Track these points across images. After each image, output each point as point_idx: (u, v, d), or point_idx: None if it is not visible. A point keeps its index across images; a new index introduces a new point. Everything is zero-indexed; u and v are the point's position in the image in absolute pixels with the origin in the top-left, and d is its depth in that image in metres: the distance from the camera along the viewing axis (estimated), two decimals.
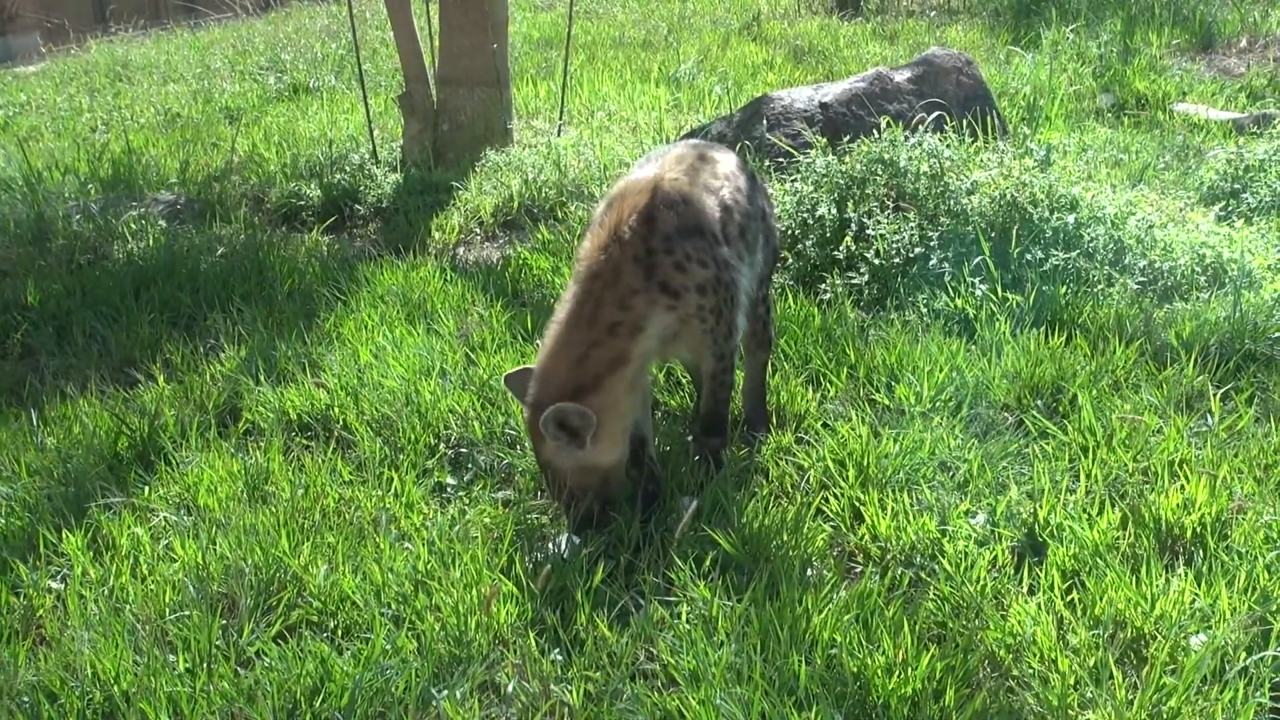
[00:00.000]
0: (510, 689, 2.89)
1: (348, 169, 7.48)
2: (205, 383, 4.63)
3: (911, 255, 5.03)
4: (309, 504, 3.69)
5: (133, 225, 6.36)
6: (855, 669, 2.83)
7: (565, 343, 3.37)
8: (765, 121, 6.60)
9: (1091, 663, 2.83)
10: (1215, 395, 4.01)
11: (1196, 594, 3.02)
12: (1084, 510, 3.41)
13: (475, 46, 7.76)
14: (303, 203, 7.27)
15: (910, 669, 2.80)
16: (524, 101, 9.47)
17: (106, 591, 3.30)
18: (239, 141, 8.71)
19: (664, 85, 9.81)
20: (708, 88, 9.52)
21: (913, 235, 5.09)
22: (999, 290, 4.73)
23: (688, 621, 3.05)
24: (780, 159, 6.30)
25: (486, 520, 3.62)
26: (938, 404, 4.07)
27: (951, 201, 5.23)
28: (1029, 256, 4.90)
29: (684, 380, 4.37)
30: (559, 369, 3.35)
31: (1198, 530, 3.30)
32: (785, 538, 3.38)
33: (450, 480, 3.90)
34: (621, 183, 3.71)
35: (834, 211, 5.36)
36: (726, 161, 3.86)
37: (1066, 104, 8.15)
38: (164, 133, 9.64)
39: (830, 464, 3.75)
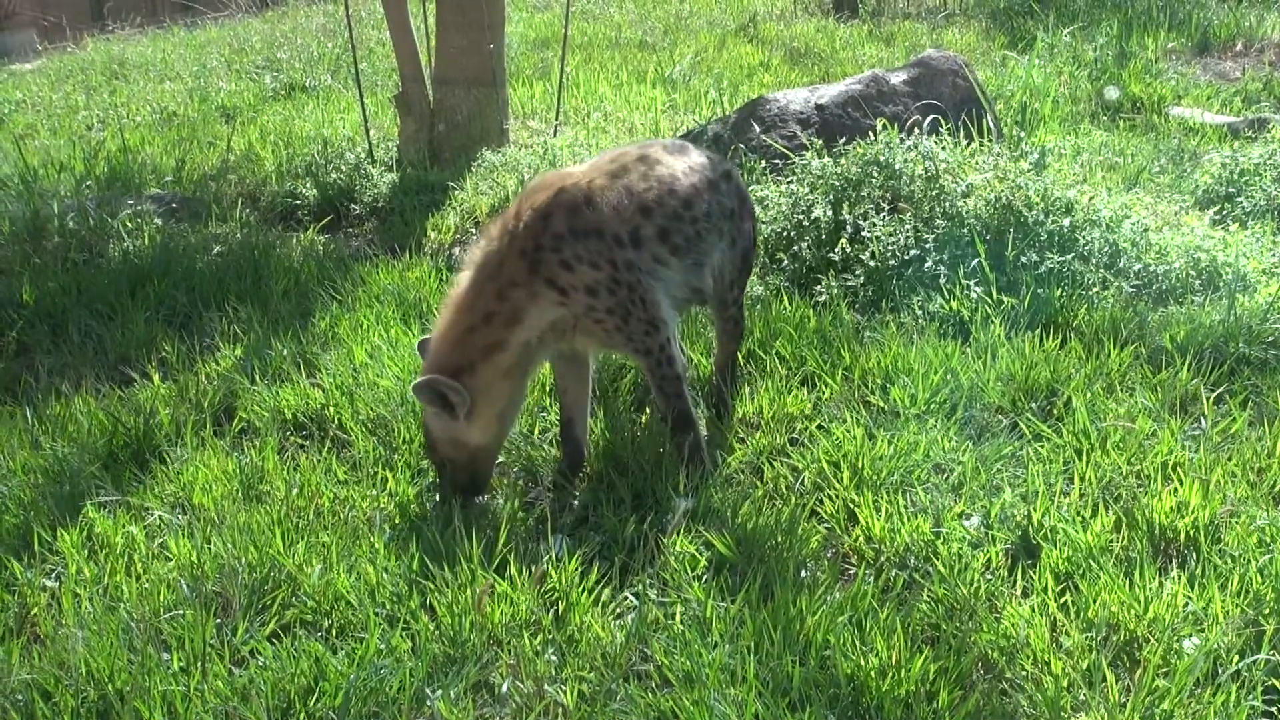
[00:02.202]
0: (504, 689, 2.89)
1: (344, 168, 7.48)
2: (200, 381, 4.63)
3: (907, 257, 5.04)
4: (304, 503, 3.69)
5: (128, 223, 6.36)
6: (849, 670, 2.83)
7: (449, 325, 3.58)
8: (761, 123, 6.61)
9: (1085, 665, 2.84)
10: (1209, 398, 4.02)
11: (1189, 597, 3.03)
12: (1078, 513, 3.42)
13: (472, 46, 7.76)
14: (298, 202, 7.27)
15: (904, 670, 2.80)
16: (520, 102, 9.47)
17: (101, 590, 3.30)
18: (235, 140, 8.70)
19: (660, 86, 9.82)
20: (703, 89, 9.53)
21: (908, 237, 5.10)
22: (994, 293, 4.74)
23: (682, 622, 3.05)
24: (776, 160, 6.31)
25: (480, 520, 3.62)
26: (932, 406, 4.08)
27: (947, 204, 5.24)
28: (1024, 259, 4.91)
29: None
30: (441, 349, 3.58)
31: (1191, 533, 3.31)
32: (779, 539, 3.38)
33: None
34: (541, 177, 3.87)
35: (829, 213, 5.37)
36: (670, 164, 3.87)
37: (1062, 107, 8.16)
38: (160, 131, 9.63)
39: (825, 465, 3.76)
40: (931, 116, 6.33)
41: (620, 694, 2.85)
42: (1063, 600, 3.09)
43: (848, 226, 5.28)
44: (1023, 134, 6.38)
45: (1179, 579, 3.10)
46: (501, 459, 3.99)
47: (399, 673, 2.89)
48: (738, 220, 4.08)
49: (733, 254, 4.06)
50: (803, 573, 3.26)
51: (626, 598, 3.22)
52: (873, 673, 2.82)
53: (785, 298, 5.00)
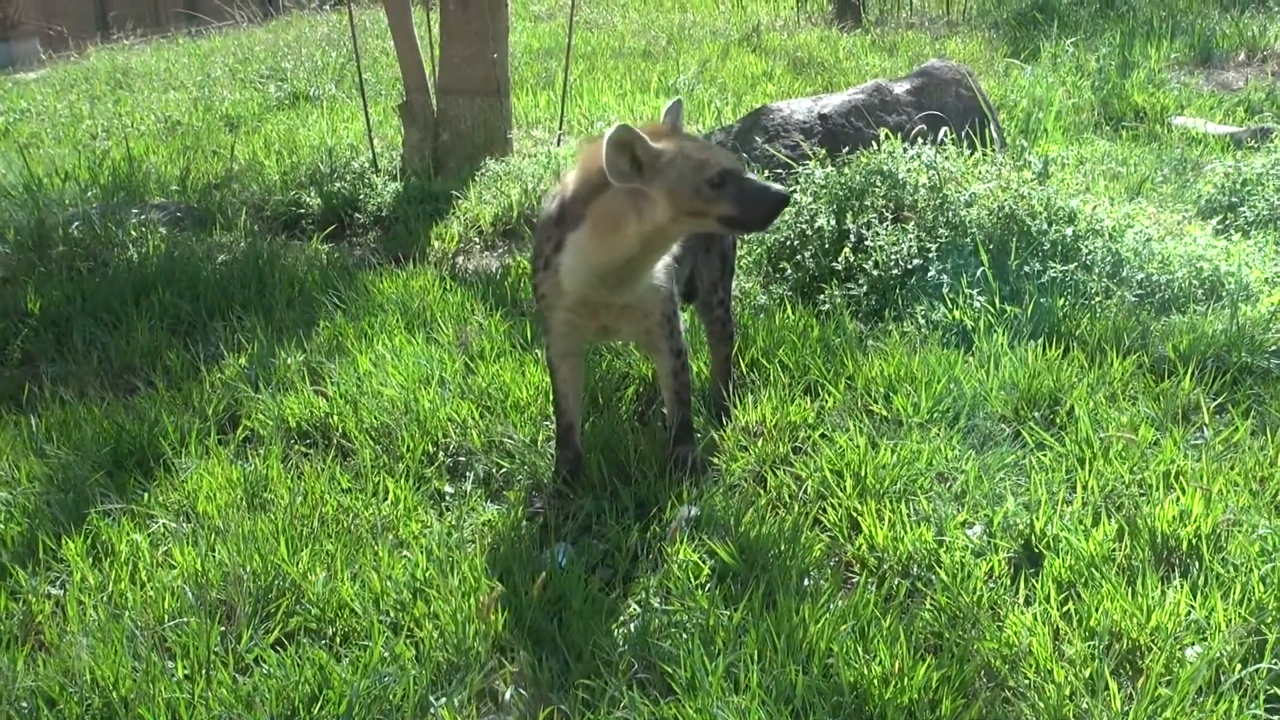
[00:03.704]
0: (508, 696, 2.90)
1: (348, 177, 7.49)
2: (205, 390, 4.64)
3: (910, 267, 5.05)
4: (307, 511, 3.70)
5: (133, 232, 6.36)
6: (852, 679, 2.84)
7: None
8: (764, 132, 6.62)
9: (1087, 674, 2.84)
10: (1211, 408, 4.02)
11: (1192, 606, 3.03)
12: (1080, 521, 3.42)
13: (476, 55, 7.78)
14: (303, 211, 7.28)
15: (906, 679, 2.81)
16: (524, 111, 9.49)
17: (105, 598, 3.31)
18: (239, 149, 8.73)
19: (664, 95, 9.82)
20: (707, 98, 9.55)
21: (911, 247, 5.11)
22: (997, 302, 4.75)
23: (685, 630, 3.05)
24: (779, 170, 6.32)
25: (484, 528, 3.63)
26: (935, 415, 4.08)
27: (950, 213, 5.24)
28: (1027, 269, 4.92)
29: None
30: None
31: (1193, 542, 3.31)
32: (782, 548, 3.39)
33: (448, 488, 3.91)
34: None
35: (833, 223, 5.38)
36: None
37: (1065, 116, 8.18)
38: (164, 140, 9.65)
39: (828, 474, 3.76)
40: (937, 127, 6.34)
41: (623, 701, 2.85)
42: (1065, 609, 3.09)
43: (851, 236, 5.29)
44: (1026, 143, 6.39)
45: (1181, 587, 3.10)
46: (505, 466, 4.00)
47: (403, 680, 2.90)
48: None
49: (708, 258, 4.20)
50: (806, 581, 3.27)
51: (630, 605, 3.23)
52: (876, 681, 2.82)
53: (789, 307, 5.01)
